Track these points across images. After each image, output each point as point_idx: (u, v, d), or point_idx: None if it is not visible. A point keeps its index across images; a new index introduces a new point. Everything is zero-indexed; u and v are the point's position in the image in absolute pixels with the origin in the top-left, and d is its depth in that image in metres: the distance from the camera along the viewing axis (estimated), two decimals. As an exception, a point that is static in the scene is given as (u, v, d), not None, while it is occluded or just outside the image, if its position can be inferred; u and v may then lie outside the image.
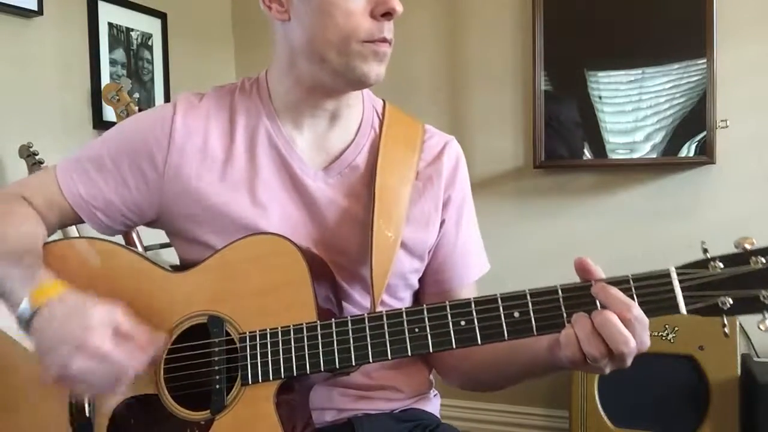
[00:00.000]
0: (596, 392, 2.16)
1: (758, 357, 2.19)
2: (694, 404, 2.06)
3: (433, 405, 1.12)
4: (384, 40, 0.94)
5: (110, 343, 0.84)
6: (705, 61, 2.19)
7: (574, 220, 2.45)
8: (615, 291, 0.78)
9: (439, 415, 1.12)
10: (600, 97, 2.34)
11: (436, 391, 1.14)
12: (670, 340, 2.08)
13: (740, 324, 2.06)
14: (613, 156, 2.33)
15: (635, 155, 2.30)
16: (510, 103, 2.55)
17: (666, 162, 2.28)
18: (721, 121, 2.17)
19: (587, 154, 2.37)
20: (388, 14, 0.93)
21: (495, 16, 2.55)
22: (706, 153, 2.21)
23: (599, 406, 2.15)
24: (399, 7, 0.93)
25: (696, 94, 2.21)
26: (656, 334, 2.09)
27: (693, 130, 2.23)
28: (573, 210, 2.47)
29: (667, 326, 2.09)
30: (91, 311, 0.86)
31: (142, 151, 1.01)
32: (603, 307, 0.79)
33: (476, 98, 2.60)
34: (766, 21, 2.22)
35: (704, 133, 2.20)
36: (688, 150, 2.24)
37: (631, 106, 2.30)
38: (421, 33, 2.65)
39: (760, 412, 1.91)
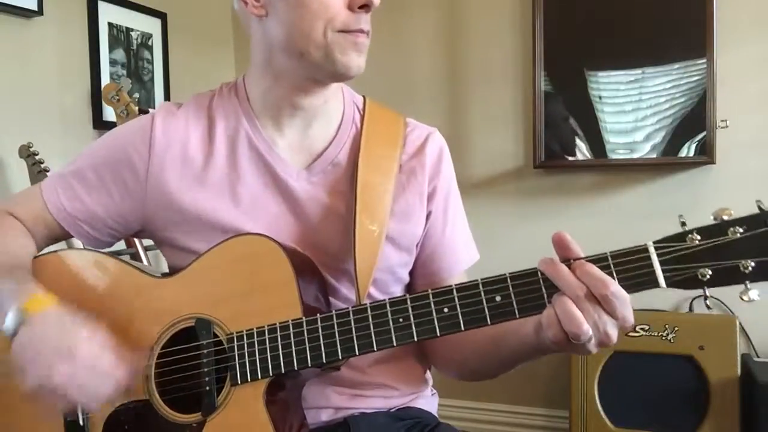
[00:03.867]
0: (596, 392, 2.16)
1: (758, 357, 2.19)
2: (694, 404, 2.06)
3: (431, 404, 1.12)
4: (361, 31, 0.94)
5: (98, 351, 0.86)
6: (705, 61, 2.19)
7: (574, 220, 2.45)
8: (591, 268, 0.78)
9: (437, 415, 1.11)
10: (600, 97, 2.34)
11: (434, 390, 1.14)
12: (670, 340, 2.08)
13: (740, 324, 2.06)
14: (613, 156, 2.33)
15: (635, 155, 2.30)
16: (510, 103, 2.55)
17: (666, 162, 2.28)
18: (721, 121, 2.17)
19: (587, 154, 2.37)
20: (365, 6, 0.93)
21: (495, 17, 2.55)
22: (706, 153, 2.21)
23: (599, 406, 2.15)
24: (376, 0, 0.93)
25: (696, 94, 2.21)
26: (656, 334, 2.09)
27: (693, 130, 2.23)
28: (573, 210, 2.47)
29: (667, 326, 2.09)
30: (81, 326, 0.87)
31: (124, 161, 1.02)
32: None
33: (476, 98, 2.60)
34: (766, 21, 2.22)
35: (704, 133, 2.20)
36: (688, 150, 2.24)
37: (631, 106, 2.30)
38: (421, 33, 2.65)
39: (760, 412, 1.91)
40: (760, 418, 1.91)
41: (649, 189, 2.37)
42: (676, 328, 2.08)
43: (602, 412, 2.15)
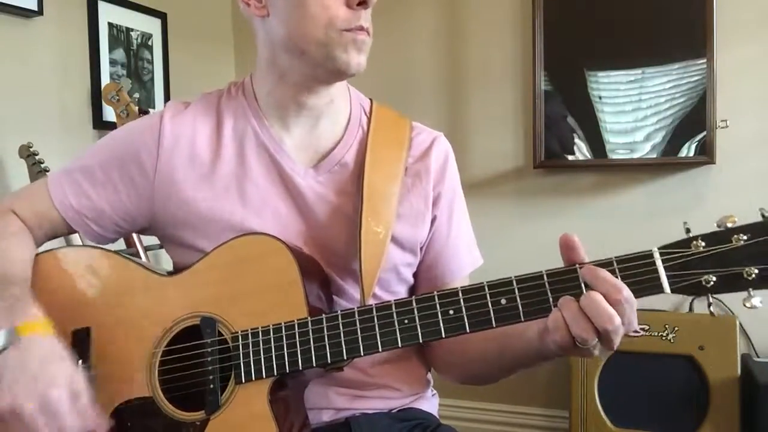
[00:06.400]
0: (596, 392, 2.16)
1: (758, 357, 2.19)
2: (694, 404, 2.06)
3: (432, 404, 1.12)
4: (361, 29, 0.94)
5: (66, 403, 0.83)
6: (705, 61, 2.19)
7: (574, 220, 2.45)
8: (604, 273, 0.78)
9: (437, 415, 1.12)
10: (600, 97, 2.34)
11: (434, 391, 1.14)
12: (670, 340, 2.08)
13: (740, 324, 2.07)
14: (613, 156, 2.33)
15: (635, 155, 2.30)
16: (510, 103, 2.55)
17: (666, 162, 2.28)
18: (721, 121, 2.17)
19: (587, 154, 2.37)
20: (363, 3, 0.93)
21: (495, 16, 2.55)
22: (706, 153, 2.21)
23: (599, 406, 2.15)
24: None
25: (696, 94, 2.22)
26: (656, 334, 2.09)
27: (693, 130, 2.23)
28: (573, 210, 2.47)
29: (667, 326, 2.09)
30: (63, 365, 0.85)
31: (132, 158, 1.02)
32: (590, 289, 0.78)
33: (476, 98, 2.60)
34: (766, 21, 2.22)
35: (704, 133, 2.20)
36: (688, 150, 2.24)
37: (631, 106, 2.30)
38: (421, 33, 2.65)
39: (760, 412, 1.91)
40: (760, 418, 1.91)
41: (649, 189, 2.37)
42: (676, 328, 2.08)
43: (602, 412, 2.15)
